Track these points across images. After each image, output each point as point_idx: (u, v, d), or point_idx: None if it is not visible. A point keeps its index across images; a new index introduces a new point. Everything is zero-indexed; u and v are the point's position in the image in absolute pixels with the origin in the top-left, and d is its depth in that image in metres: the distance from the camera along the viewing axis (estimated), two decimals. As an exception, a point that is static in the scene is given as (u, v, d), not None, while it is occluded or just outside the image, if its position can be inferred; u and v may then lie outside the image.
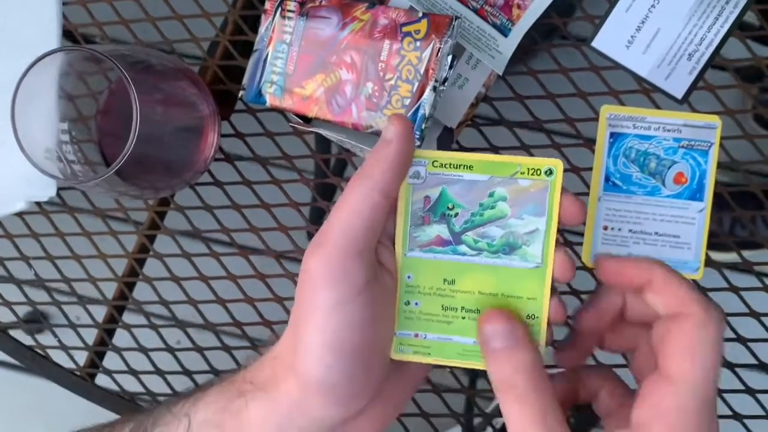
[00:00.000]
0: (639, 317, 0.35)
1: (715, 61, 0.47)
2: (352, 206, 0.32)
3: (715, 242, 0.49)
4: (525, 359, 0.32)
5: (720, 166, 0.46)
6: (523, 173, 0.34)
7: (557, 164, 0.34)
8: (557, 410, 0.31)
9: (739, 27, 0.47)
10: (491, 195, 0.34)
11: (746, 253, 0.51)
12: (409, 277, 0.35)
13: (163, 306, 0.53)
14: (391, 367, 0.35)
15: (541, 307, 0.34)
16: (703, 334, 0.31)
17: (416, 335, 0.35)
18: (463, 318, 0.35)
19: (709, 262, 0.48)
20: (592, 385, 0.36)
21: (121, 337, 0.55)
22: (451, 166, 0.34)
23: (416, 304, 0.35)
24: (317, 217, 0.66)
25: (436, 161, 0.34)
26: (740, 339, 0.48)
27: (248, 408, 0.32)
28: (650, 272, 0.33)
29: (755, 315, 0.49)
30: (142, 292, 0.54)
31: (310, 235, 0.52)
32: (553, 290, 0.34)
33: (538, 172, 0.34)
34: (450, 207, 0.35)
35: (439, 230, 0.35)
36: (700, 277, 0.47)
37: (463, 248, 0.35)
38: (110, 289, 0.54)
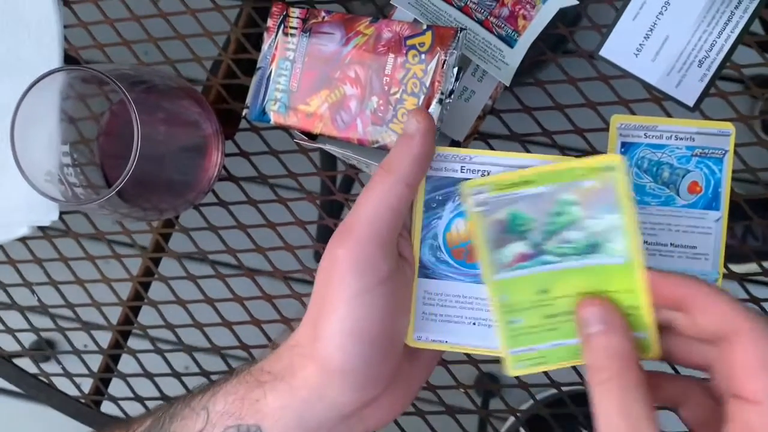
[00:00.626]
0: (696, 333, 0.33)
1: (726, 67, 0.47)
2: (379, 197, 0.33)
3: (729, 253, 0.47)
4: (619, 345, 0.31)
5: (734, 174, 0.45)
6: (583, 175, 0.34)
7: (615, 159, 0.33)
8: (646, 403, 0.30)
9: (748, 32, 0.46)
10: (558, 203, 0.34)
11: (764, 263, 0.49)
12: (503, 298, 0.35)
13: (169, 330, 0.52)
14: (404, 355, 0.36)
15: (639, 297, 0.33)
16: (763, 348, 0.30)
17: (529, 349, 0.35)
18: (567, 321, 0.35)
19: (726, 274, 0.47)
20: (675, 392, 0.35)
21: (126, 363, 0.54)
22: (513, 185, 0.34)
23: (519, 321, 0.35)
24: (324, 236, 0.65)
25: (495, 185, 0.34)
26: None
27: (266, 397, 0.33)
28: (687, 290, 0.32)
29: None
30: (147, 316, 0.54)
31: (318, 255, 0.51)
32: None
33: (599, 170, 0.33)
34: (522, 223, 0.35)
35: (519, 248, 0.35)
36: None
37: (548, 257, 0.34)
38: (115, 314, 0.53)
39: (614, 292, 0.34)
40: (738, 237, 0.83)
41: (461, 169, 0.36)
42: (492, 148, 0.49)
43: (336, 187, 0.52)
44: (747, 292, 0.48)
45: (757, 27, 0.47)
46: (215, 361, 0.53)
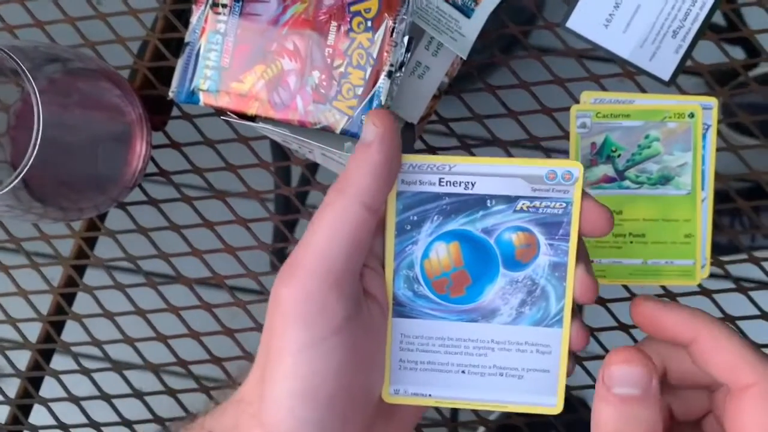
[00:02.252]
0: (692, 381, 0.29)
1: (702, 38, 0.43)
2: (331, 223, 0.27)
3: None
4: (651, 420, 0.26)
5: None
6: (671, 117, 0.40)
7: (697, 108, 0.40)
8: None
9: (709, 28, 0.43)
10: (647, 137, 0.40)
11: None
12: None
13: (96, 347, 0.46)
14: (379, 411, 0.29)
15: (696, 226, 0.40)
16: None
17: (595, 261, 0.39)
18: (631, 242, 0.41)
19: (713, 262, 0.42)
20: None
21: (48, 387, 0.48)
22: (612, 115, 0.41)
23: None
24: (279, 235, 0.59)
25: (599, 113, 0.40)
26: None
27: None
28: (694, 328, 0.27)
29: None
30: (71, 332, 0.47)
31: (277, 261, 0.46)
32: (575, 313, 0.29)
33: (683, 115, 0.40)
34: (614, 150, 0.41)
35: (605, 170, 0.41)
36: (707, 274, 0.42)
37: (627, 183, 0.41)
38: (34, 331, 0.47)
39: (675, 221, 0.41)
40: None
41: (440, 182, 0.29)
42: (452, 131, 0.44)
43: (284, 179, 0.47)
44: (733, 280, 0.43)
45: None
46: (149, 378, 0.47)
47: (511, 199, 0.29)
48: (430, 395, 0.30)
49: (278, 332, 0.27)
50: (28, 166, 0.33)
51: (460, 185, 0.29)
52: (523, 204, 0.29)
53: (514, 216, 0.29)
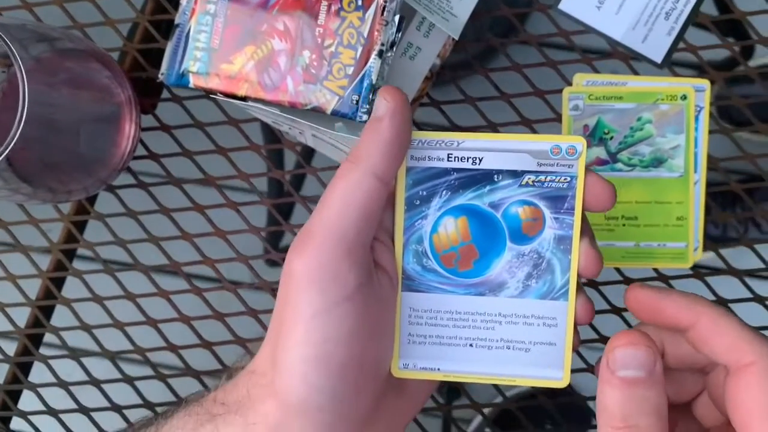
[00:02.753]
0: (687, 363, 0.29)
1: (695, 20, 0.42)
2: (344, 193, 0.27)
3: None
4: (657, 402, 0.26)
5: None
6: (663, 99, 0.40)
7: (689, 90, 0.40)
8: None
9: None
10: (639, 119, 0.41)
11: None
12: None
13: (85, 331, 0.46)
14: (389, 386, 0.30)
15: (688, 209, 0.40)
16: None
17: None
18: (623, 225, 0.41)
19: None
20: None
21: (37, 372, 0.47)
22: (604, 98, 0.41)
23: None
24: (271, 222, 0.59)
25: (592, 95, 0.40)
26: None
27: None
28: (694, 313, 0.28)
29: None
30: (60, 317, 0.47)
31: (269, 250, 0.46)
32: (579, 287, 0.30)
33: (675, 97, 0.40)
34: (606, 132, 0.41)
35: (597, 152, 0.41)
36: (700, 256, 0.42)
37: (619, 165, 0.41)
38: (22, 317, 0.47)
39: (667, 203, 0.41)
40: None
41: (449, 157, 0.29)
42: (445, 114, 0.44)
43: (276, 164, 0.47)
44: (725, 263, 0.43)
45: None
46: (139, 364, 0.46)
47: (517, 174, 0.29)
48: (438, 369, 0.30)
49: (291, 301, 0.27)
50: (12, 144, 0.32)
51: (467, 161, 0.30)
52: (529, 178, 0.29)
53: (520, 190, 0.29)
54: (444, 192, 0.30)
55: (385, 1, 0.37)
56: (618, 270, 0.43)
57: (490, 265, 0.30)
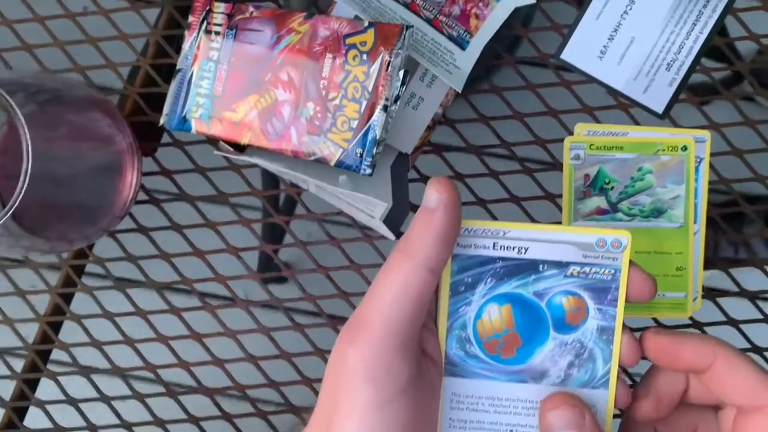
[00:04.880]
0: (703, 400, 0.30)
1: (696, 71, 0.43)
2: (399, 285, 0.28)
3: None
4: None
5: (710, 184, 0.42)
6: (664, 150, 0.40)
7: (690, 142, 0.40)
8: None
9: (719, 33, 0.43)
10: (640, 169, 0.41)
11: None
12: None
13: (95, 348, 0.45)
14: None
15: (688, 259, 0.40)
16: None
17: None
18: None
19: (704, 294, 0.43)
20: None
21: (43, 389, 0.47)
22: (605, 147, 0.41)
23: None
24: (265, 264, 0.59)
25: (593, 145, 0.40)
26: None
27: None
28: (711, 355, 0.28)
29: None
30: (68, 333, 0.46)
31: (264, 287, 0.45)
32: (624, 328, 0.30)
33: (676, 148, 0.40)
34: (607, 182, 0.41)
35: (598, 202, 0.41)
36: (699, 307, 0.42)
37: (619, 215, 0.41)
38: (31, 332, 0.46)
39: (667, 253, 0.41)
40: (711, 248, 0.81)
41: (494, 246, 0.30)
42: (446, 161, 0.44)
43: (277, 207, 0.46)
44: (724, 313, 0.43)
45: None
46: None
47: (562, 265, 0.30)
48: None
49: (344, 392, 0.27)
50: (16, 203, 0.32)
51: (513, 250, 0.30)
52: (574, 269, 0.30)
53: (564, 281, 0.30)
54: (489, 279, 0.30)
55: (390, 57, 0.37)
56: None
57: (533, 353, 0.30)
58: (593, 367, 0.30)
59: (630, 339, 0.30)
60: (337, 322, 0.44)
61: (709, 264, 0.47)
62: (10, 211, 0.32)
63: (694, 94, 0.45)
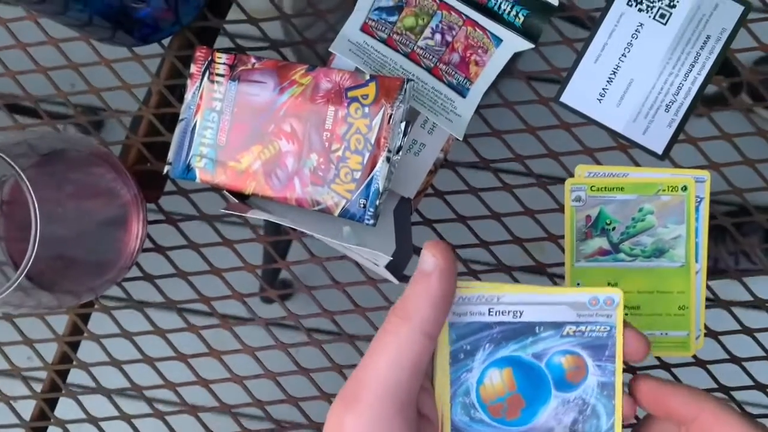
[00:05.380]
0: None
1: (695, 112, 0.43)
2: (395, 350, 0.28)
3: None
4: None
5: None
6: (664, 190, 0.40)
7: (690, 182, 0.41)
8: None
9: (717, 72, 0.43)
10: (641, 210, 0.41)
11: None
12: (578, 283, 0.41)
13: (114, 366, 0.45)
14: None
15: (690, 298, 0.40)
16: None
17: None
18: (627, 314, 0.40)
19: (707, 333, 0.43)
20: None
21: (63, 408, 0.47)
22: (606, 189, 0.41)
23: None
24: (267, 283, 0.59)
25: (594, 186, 0.41)
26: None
27: None
28: (697, 407, 0.29)
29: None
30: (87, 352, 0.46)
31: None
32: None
33: (676, 188, 0.40)
34: (608, 223, 0.41)
35: (600, 243, 0.41)
36: (701, 345, 0.42)
37: (621, 255, 0.41)
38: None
39: (669, 293, 0.41)
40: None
41: (489, 311, 0.31)
42: (448, 203, 0.44)
43: (279, 253, 0.47)
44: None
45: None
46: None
47: (558, 325, 0.30)
48: None
49: None
50: (26, 268, 0.32)
51: (508, 314, 0.31)
52: (570, 329, 0.30)
53: (561, 341, 0.31)
54: (487, 345, 0.31)
55: (392, 110, 0.37)
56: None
57: (536, 413, 0.31)
58: (597, 423, 0.31)
59: (626, 396, 0.31)
60: (350, 337, 0.44)
61: (718, 274, 0.48)
62: (22, 275, 0.33)
63: (703, 104, 0.45)
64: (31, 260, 0.32)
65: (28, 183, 0.32)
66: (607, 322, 0.30)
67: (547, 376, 0.31)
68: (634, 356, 0.30)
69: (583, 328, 0.30)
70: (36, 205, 0.32)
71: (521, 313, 0.30)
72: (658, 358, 0.44)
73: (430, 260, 0.29)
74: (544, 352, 0.30)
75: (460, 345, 0.31)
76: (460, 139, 0.41)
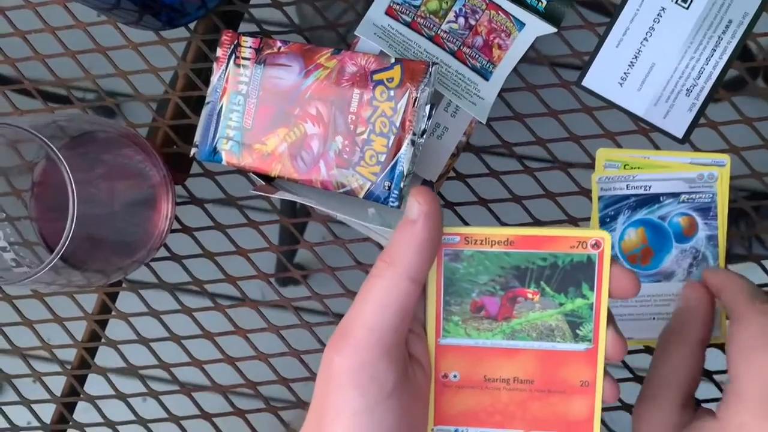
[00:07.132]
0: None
1: (716, 96, 0.43)
2: (380, 296, 0.29)
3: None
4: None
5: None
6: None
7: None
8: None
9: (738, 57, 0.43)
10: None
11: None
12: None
13: (132, 373, 0.46)
14: None
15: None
16: (744, 336, 0.34)
17: None
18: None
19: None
20: None
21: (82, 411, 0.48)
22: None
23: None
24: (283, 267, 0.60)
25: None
26: None
27: None
28: (720, 279, 0.37)
29: None
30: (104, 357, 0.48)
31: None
32: (605, 372, 0.30)
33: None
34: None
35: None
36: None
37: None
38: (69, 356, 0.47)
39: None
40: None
41: (627, 187, 0.41)
42: (470, 187, 0.45)
43: (301, 233, 0.48)
44: None
45: None
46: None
47: (676, 195, 0.41)
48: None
49: (331, 398, 0.28)
50: (63, 249, 0.33)
51: (641, 188, 0.41)
52: (685, 197, 0.42)
53: (679, 206, 0.42)
54: (626, 211, 0.41)
55: (417, 93, 0.38)
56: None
57: (662, 260, 0.42)
58: (707, 265, 0.41)
59: (614, 334, 0.30)
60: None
61: (738, 258, 0.49)
62: (58, 255, 0.34)
63: (724, 89, 0.45)
64: (68, 240, 0.33)
65: (65, 163, 0.33)
66: (710, 191, 0.41)
67: (669, 232, 0.41)
68: (624, 293, 0.30)
69: (694, 196, 0.41)
70: (74, 186, 0.33)
71: (650, 187, 0.41)
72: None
73: (415, 207, 0.29)
74: (666, 215, 0.41)
75: (606, 212, 0.41)
76: (483, 122, 0.41)
